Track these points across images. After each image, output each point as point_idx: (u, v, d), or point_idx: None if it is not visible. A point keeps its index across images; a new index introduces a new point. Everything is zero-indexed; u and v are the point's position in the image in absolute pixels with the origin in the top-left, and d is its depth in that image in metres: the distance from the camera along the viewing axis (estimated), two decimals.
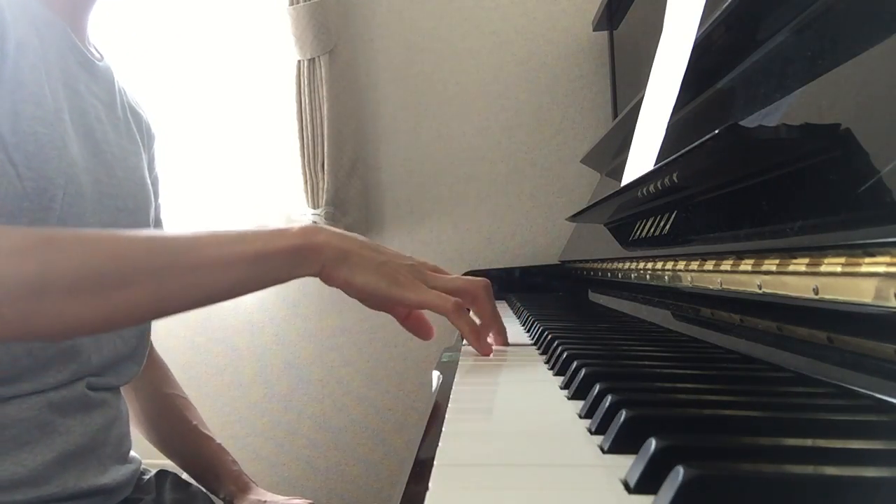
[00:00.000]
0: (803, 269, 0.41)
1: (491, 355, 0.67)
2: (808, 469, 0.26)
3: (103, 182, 0.71)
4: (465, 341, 0.75)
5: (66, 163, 0.64)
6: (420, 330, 0.71)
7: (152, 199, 0.83)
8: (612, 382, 0.42)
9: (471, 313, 0.71)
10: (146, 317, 0.57)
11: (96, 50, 0.78)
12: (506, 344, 0.72)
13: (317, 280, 0.62)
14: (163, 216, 0.90)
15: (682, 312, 0.72)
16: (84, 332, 0.63)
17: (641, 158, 0.76)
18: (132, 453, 0.79)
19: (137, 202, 0.77)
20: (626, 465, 0.30)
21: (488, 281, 0.68)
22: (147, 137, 0.86)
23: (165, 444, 0.92)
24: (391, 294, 0.62)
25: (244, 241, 0.58)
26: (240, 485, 0.88)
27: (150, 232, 0.57)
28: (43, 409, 0.65)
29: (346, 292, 0.63)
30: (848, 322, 0.40)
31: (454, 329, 0.77)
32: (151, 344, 0.87)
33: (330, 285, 0.62)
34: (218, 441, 0.93)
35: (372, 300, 0.64)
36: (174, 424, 0.92)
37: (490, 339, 0.71)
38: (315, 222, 1.61)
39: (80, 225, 0.66)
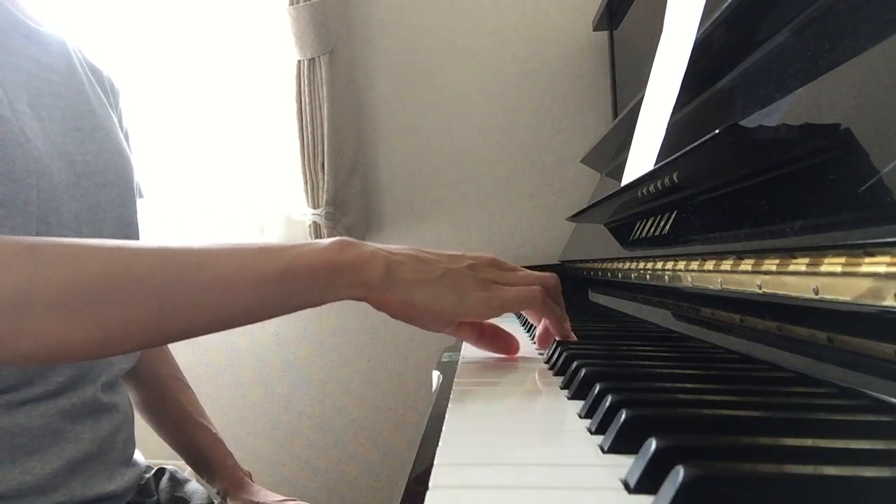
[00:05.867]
0: (803, 269, 0.41)
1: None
2: (808, 469, 0.26)
3: (78, 162, 0.66)
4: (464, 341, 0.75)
5: (33, 158, 0.58)
6: (500, 346, 0.62)
7: (132, 164, 0.77)
8: (612, 382, 0.42)
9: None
10: (144, 339, 0.49)
11: (38, 15, 0.71)
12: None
13: None
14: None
15: (682, 312, 0.72)
16: (74, 356, 0.51)
17: (641, 158, 0.76)
18: (136, 456, 0.78)
19: (118, 172, 0.72)
20: (626, 465, 0.30)
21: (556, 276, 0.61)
22: (113, 95, 0.80)
23: (160, 427, 0.90)
24: (463, 310, 0.53)
25: (266, 256, 0.49)
26: (234, 481, 0.85)
27: (156, 243, 0.49)
28: (54, 416, 0.62)
29: (400, 316, 0.53)
30: (848, 322, 0.40)
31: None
32: None
33: (382, 311, 0.53)
34: (215, 431, 0.90)
35: (436, 321, 0.55)
36: (168, 409, 0.89)
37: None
38: (316, 223, 1.61)
39: (60, 216, 0.61)
